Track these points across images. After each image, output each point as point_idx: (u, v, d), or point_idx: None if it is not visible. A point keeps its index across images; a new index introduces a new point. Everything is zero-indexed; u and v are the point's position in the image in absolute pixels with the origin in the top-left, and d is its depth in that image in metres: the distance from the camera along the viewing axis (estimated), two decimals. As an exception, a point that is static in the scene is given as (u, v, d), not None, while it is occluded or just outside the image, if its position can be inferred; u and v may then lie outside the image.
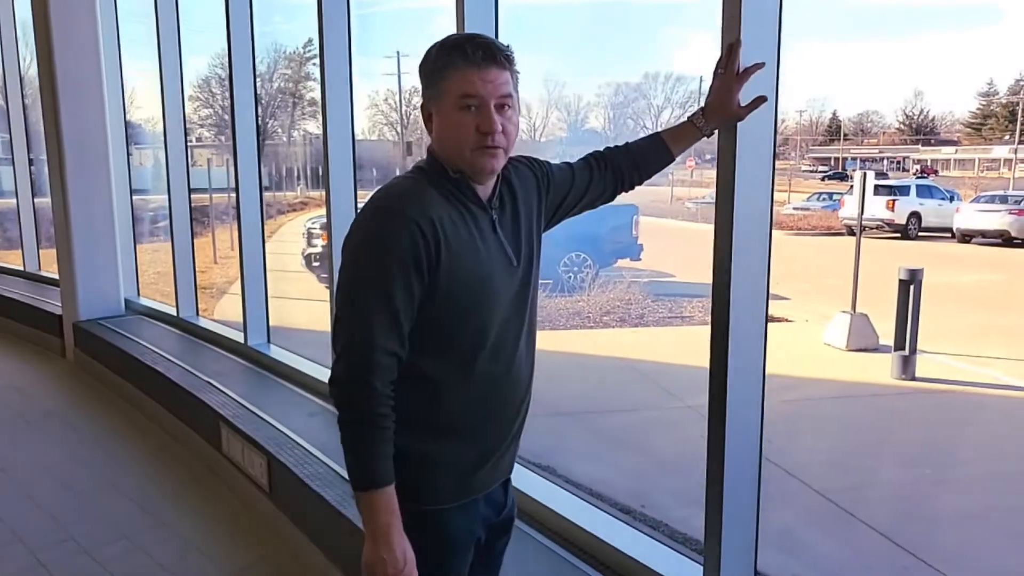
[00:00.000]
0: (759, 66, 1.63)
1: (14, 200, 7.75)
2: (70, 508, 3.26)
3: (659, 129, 1.70)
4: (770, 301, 1.94)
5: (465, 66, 1.26)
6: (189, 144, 5.81)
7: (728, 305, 1.81)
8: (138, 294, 5.94)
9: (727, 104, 1.63)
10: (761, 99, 1.63)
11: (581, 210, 1.63)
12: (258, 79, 4.42)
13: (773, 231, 1.89)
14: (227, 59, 4.18)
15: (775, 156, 1.82)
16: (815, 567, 3.51)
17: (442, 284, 1.28)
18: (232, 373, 4.09)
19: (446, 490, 1.39)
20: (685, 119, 1.67)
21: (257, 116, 4.48)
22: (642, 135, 1.68)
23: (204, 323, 5.05)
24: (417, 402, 1.34)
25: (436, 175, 1.33)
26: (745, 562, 1.97)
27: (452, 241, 1.28)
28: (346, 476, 1.33)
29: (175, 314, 5.20)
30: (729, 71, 1.62)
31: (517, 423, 1.46)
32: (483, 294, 1.33)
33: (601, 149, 1.65)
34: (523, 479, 2.59)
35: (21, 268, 7.60)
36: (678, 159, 1.71)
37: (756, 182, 1.77)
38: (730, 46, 1.62)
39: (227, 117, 4.36)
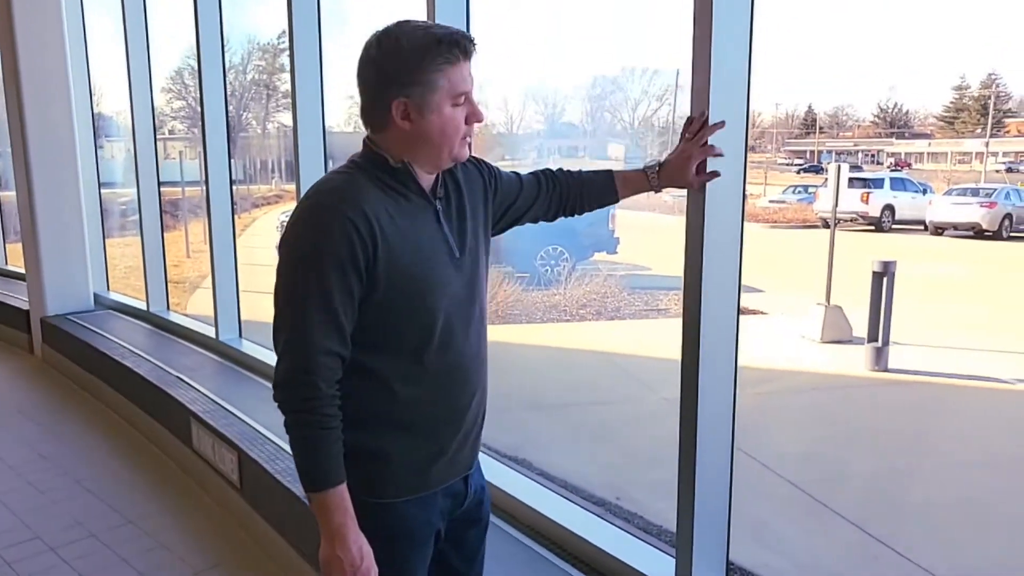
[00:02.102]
0: (719, 127, 1.65)
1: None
2: (36, 507, 3.19)
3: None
4: (744, 294, 1.94)
5: (459, 62, 1.26)
6: (162, 137, 5.71)
7: (700, 297, 1.80)
8: (108, 288, 5.83)
9: (684, 171, 1.65)
10: (714, 174, 1.67)
11: (521, 223, 1.63)
12: (232, 71, 4.36)
13: (747, 224, 1.89)
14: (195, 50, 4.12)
15: (747, 149, 1.81)
16: (788, 557, 3.54)
17: (381, 279, 1.26)
18: (203, 368, 4.03)
19: (402, 484, 1.37)
20: (641, 167, 1.68)
21: (228, 108, 4.41)
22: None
23: (175, 318, 4.98)
24: (368, 398, 1.32)
25: (373, 167, 1.31)
26: (717, 555, 1.97)
27: (389, 235, 1.26)
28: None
29: (145, 308, 5.12)
30: (695, 140, 1.64)
31: (471, 416, 1.43)
32: (425, 286, 1.31)
33: (553, 169, 1.64)
34: (496, 473, 2.58)
35: (-14, 263, 7.45)
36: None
37: (728, 175, 1.77)
38: (704, 118, 1.65)
39: (200, 109, 4.29)
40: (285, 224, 1.32)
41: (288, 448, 1.33)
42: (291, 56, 3.36)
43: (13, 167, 5.39)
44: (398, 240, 1.27)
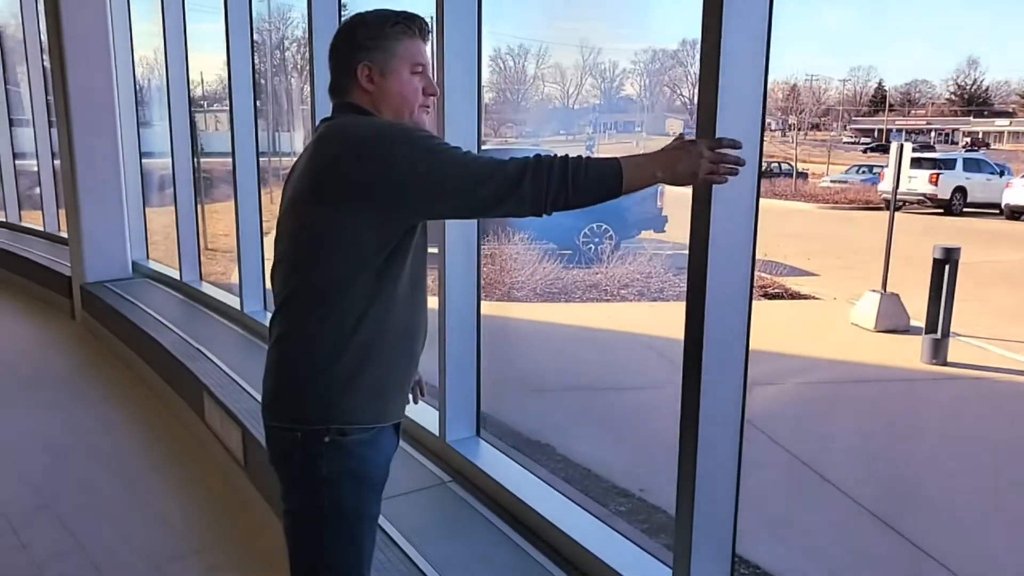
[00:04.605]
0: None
1: (35, 161, 7.79)
2: (51, 476, 3.23)
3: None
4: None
5: (417, 38, 1.45)
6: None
7: (704, 275, 1.64)
8: (147, 256, 5.91)
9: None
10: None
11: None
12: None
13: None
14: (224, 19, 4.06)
15: (764, 117, 1.62)
16: (824, 564, 3.34)
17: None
18: (224, 340, 4.02)
19: (376, 411, 1.45)
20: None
21: (255, 79, 4.35)
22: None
23: (206, 288, 5.00)
24: (378, 324, 1.39)
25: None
26: (720, 570, 1.82)
27: None
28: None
29: (178, 278, 5.16)
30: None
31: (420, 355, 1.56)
32: (424, 226, 1.44)
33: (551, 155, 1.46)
34: (497, 467, 2.46)
35: (41, 228, 7.66)
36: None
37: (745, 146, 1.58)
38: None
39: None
40: (351, 146, 1.36)
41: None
42: (309, 31, 3.26)
43: (57, 135, 5.46)
44: None
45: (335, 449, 1.40)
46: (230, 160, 4.28)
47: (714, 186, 1.58)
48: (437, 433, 2.66)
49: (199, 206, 5.41)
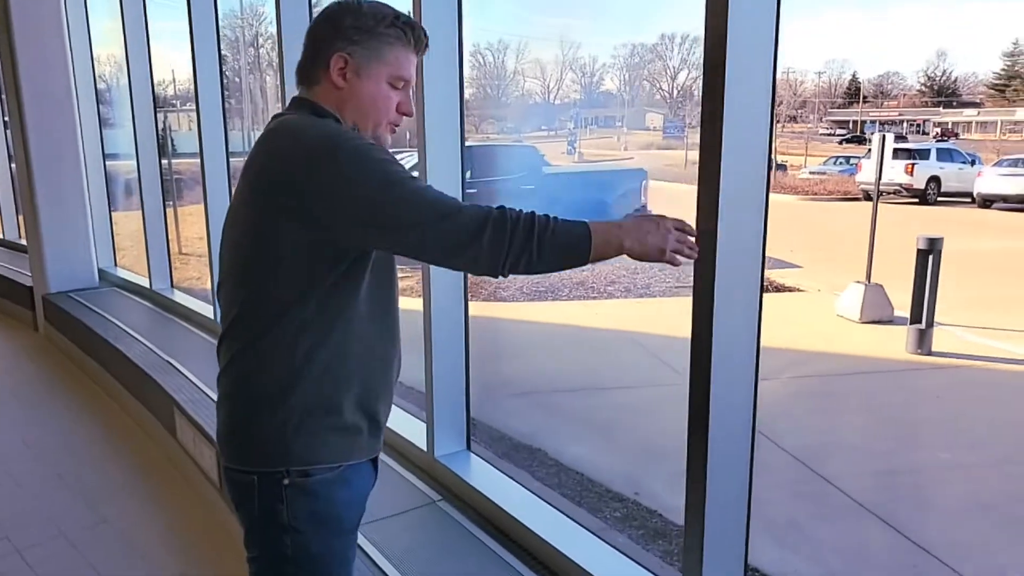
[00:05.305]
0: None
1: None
2: (10, 501, 3.02)
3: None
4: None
5: (411, 49, 1.28)
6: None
7: (713, 275, 1.51)
8: (115, 264, 5.68)
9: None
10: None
11: None
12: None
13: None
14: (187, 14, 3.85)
15: (774, 105, 1.49)
16: (819, 563, 3.24)
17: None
18: (197, 352, 3.82)
19: (343, 448, 1.28)
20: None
21: (223, 77, 4.15)
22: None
23: (178, 296, 4.79)
24: (336, 348, 1.22)
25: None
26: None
27: None
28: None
29: (148, 286, 4.94)
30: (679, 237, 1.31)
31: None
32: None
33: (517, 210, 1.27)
34: (490, 483, 2.31)
35: (0, 236, 7.37)
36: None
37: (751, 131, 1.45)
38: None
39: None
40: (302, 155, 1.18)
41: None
42: (278, 29, 3.08)
43: (10, 136, 5.20)
44: None
45: (296, 492, 1.23)
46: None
47: (722, 177, 1.46)
48: (424, 447, 2.49)
49: (172, 209, 5.20)
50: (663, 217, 1.28)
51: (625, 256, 1.26)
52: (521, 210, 1.18)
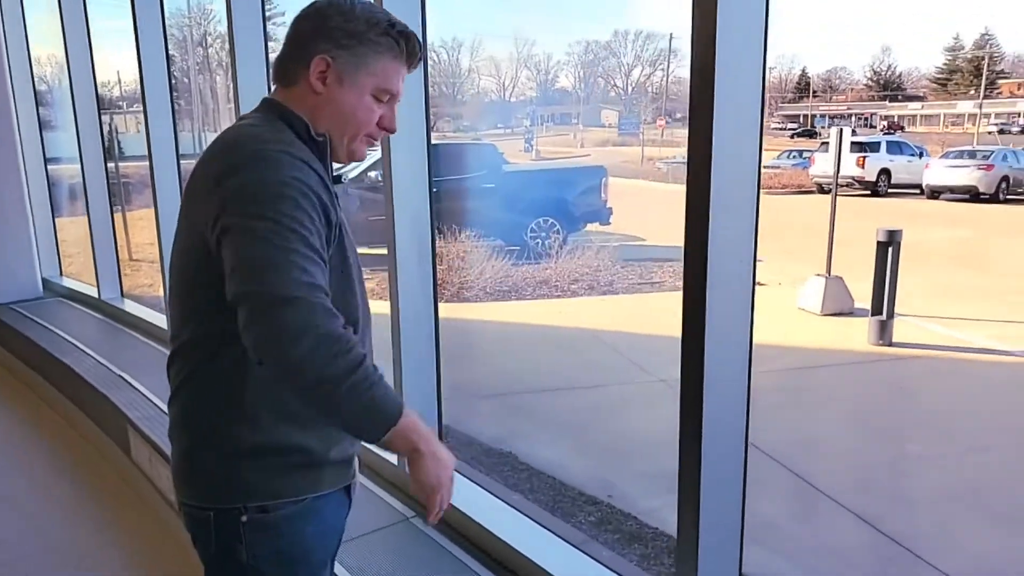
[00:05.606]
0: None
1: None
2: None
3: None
4: None
5: (402, 61, 1.18)
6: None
7: (705, 256, 1.45)
8: (60, 273, 5.43)
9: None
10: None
11: None
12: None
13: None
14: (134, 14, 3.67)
15: (764, 103, 1.43)
16: (794, 560, 3.23)
17: (334, 244, 1.11)
18: (150, 365, 3.63)
19: (307, 480, 1.17)
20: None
21: (171, 78, 3.97)
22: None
23: (129, 306, 4.58)
24: None
25: (302, 131, 1.14)
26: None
27: (334, 204, 1.12)
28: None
29: (96, 296, 4.72)
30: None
31: None
32: (355, 264, 1.18)
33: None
34: (465, 496, 2.22)
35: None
36: None
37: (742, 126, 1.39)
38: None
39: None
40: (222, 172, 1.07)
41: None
42: (229, 29, 2.93)
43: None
44: (339, 210, 1.13)
45: (256, 530, 1.12)
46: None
47: (713, 176, 1.40)
48: (396, 462, 2.39)
49: (121, 214, 4.98)
50: (451, 470, 1.19)
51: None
52: (359, 346, 1.03)
